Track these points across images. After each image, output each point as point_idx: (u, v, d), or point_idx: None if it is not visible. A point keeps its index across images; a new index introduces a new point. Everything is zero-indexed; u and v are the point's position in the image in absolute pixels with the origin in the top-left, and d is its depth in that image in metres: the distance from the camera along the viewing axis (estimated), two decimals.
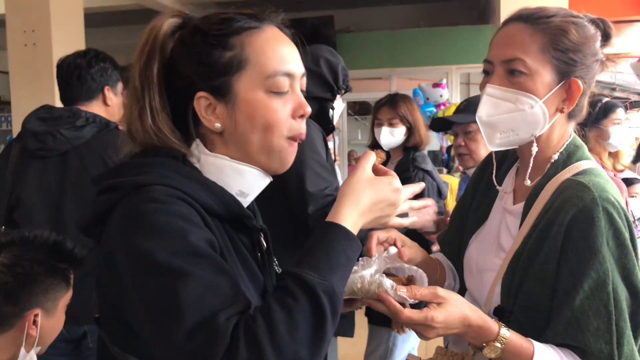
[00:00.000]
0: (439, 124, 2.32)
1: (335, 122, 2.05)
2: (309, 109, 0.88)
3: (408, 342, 2.58)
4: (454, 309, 0.93)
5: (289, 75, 0.87)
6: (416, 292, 0.92)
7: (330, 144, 2.02)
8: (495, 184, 1.18)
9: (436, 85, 4.72)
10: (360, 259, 0.97)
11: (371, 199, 0.85)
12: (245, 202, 0.90)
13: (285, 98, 0.87)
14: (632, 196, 2.96)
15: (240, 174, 0.87)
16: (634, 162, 3.51)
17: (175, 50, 0.87)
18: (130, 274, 0.76)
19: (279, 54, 0.87)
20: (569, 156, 1.08)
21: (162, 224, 0.75)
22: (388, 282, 0.90)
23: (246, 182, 0.88)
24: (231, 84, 0.84)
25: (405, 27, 7.35)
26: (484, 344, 0.97)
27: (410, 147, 2.63)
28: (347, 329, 1.86)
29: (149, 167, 0.83)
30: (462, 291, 1.21)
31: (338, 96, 2.03)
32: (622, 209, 0.99)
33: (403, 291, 0.90)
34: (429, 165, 2.59)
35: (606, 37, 1.08)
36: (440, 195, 2.61)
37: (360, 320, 2.12)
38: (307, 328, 0.70)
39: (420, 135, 2.62)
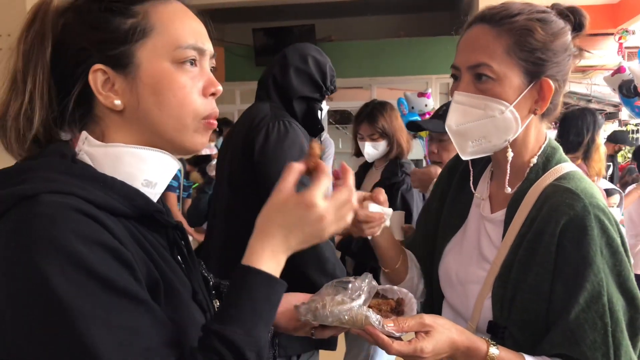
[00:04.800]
0: (414, 127, 2.32)
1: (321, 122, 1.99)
2: (220, 88, 0.80)
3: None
4: (441, 335, 0.91)
5: (199, 50, 0.78)
6: (403, 324, 0.89)
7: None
8: (473, 190, 1.14)
9: (421, 94, 4.73)
10: (349, 282, 0.95)
11: (283, 226, 0.76)
12: (154, 193, 0.79)
13: (193, 73, 0.78)
14: (611, 206, 3.03)
15: (142, 161, 0.77)
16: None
17: (67, 24, 0.76)
18: (21, 309, 0.61)
19: (188, 26, 0.78)
20: (548, 159, 1.04)
21: (62, 249, 0.62)
22: (374, 318, 0.88)
23: (151, 169, 0.77)
24: (132, 54, 0.74)
25: (386, 37, 7.41)
26: None
27: (393, 158, 2.66)
28: (330, 342, 1.84)
29: (32, 172, 0.69)
30: (439, 300, 1.18)
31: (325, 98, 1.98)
32: (611, 214, 0.97)
33: (390, 325, 0.89)
34: None
35: (579, 27, 1.04)
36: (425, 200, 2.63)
37: None
38: None
39: (401, 145, 2.63)
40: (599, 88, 8.66)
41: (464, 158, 1.05)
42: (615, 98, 8.11)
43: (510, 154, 1.03)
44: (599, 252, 0.92)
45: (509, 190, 1.05)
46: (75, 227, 0.63)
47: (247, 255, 0.75)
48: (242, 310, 0.71)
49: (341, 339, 2.41)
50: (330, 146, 4.23)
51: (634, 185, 3.67)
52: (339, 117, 8.46)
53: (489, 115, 0.99)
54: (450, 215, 1.18)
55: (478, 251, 1.09)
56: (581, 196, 0.95)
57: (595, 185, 1.04)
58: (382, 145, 2.63)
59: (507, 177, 1.05)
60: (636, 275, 3.11)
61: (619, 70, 3.89)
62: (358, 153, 2.75)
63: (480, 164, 1.18)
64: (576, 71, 8.55)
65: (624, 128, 9.51)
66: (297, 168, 0.80)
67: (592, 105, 8.98)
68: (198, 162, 4.13)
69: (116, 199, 0.71)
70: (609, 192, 3.02)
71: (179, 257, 0.83)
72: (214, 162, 3.27)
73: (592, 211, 0.93)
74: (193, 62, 0.78)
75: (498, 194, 1.10)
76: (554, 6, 1.03)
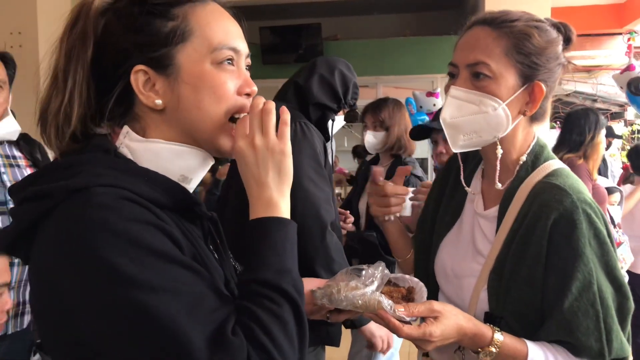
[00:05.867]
0: (418, 132, 2.36)
1: (332, 135, 2.06)
2: (255, 88, 0.84)
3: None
4: (449, 321, 0.96)
5: (235, 50, 0.82)
6: (413, 309, 0.95)
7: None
8: (464, 185, 1.19)
9: (430, 94, 4.74)
10: (363, 270, 0.99)
11: (252, 177, 0.80)
12: (189, 188, 0.84)
13: (232, 73, 0.81)
14: (612, 204, 3.05)
15: (180, 157, 0.81)
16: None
17: (108, 26, 0.79)
18: (90, 293, 0.65)
19: (225, 28, 0.82)
20: (537, 157, 1.10)
21: (119, 232, 0.66)
22: (386, 302, 0.92)
23: (188, 165, 0.82)
24: (173, 56, 0.78)
25: (391, 35, 7.42)
26: (479, 349, 1.00)
27: (395, 153, 2.71)
28: (334, 338, 1.87)
29: (80, 167, 0.73)
30: (434, 293, 1.22)
31: (341, 111, 2.06)
32: (598, 207, 1.02)
33: (401, 310, 0.93)
34: (419, 171, 2.69)
35: (567, 41, 1.09)
36: None
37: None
38: (292, 322, 0.73)
39: (401, 140, 2.67)
40: (604, 88, 8.65)
41: (454, 150, 1.10)
42: (621, 98, 8.11)
43: (499, 151, 1.08)
44: (587, 244, 0.98)
45: (499, 186, 1.11)
46: (127, 212, 0.68)
47: (251, 213, 0.80)
48: (267, 256, 0.76)
49: (347, 334, 2.45)
50: (332, 142, 4.29)
51: (631, 186, 3.66)
52: (345, 116, 8.46)
53: (482, 111, 1.04)
54: (446, 212, 1.23)
55: (473, 246, 1.14)
56: (569, 192, 1.00)
57: (580, 180, 1.09)
58: (381, 135, 2.69)
59: (497, 174, 1.10)
60: (637, 275, 3.15)
61: (629, 68, 3.90)
62: (363, 148, 2.86)
63: (473, 162, 1.24)
64: (582, 71, 8.54)
65: (629, 128, 9.49)
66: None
67: (598, 105, 8.96)
68: None
69: (159, 192, 0.75)
70: (609, 191, 3.05)
71: (211, 246, 0.87)
72: (221, 166, 3.31)
73: (580, 206, 0.99)
74: (231, 62, 0.81)
75: (490, 191, 1.15)
76: (547, 19, 1.10)
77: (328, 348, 1.96)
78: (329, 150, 2.03)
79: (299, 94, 1.93)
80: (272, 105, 0.81)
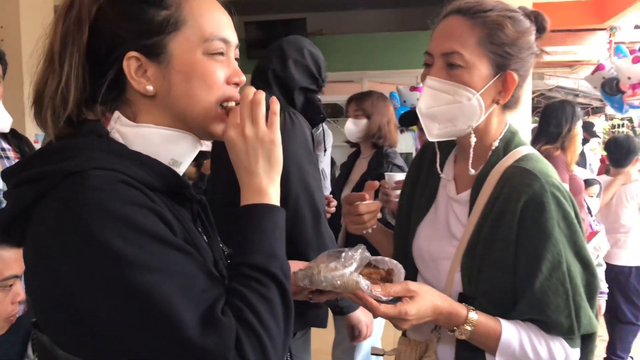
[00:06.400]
0: (408, 118, 2.38)
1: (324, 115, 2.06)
2: (243, 78, 0.86)
3: (374, 331, 2.65)
4: (425, 300, 1.00)
5: (225, 41, 0.84)
6: (389, 289, 0.98)
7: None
8: (439, 171, 1.22)
9: (413, 88, 4.78)
10: (343, 252, 1.03)
11: (242, 166, 0.83)
12: (179, 171, 0.86)
13: (222, 63, 0.84)
14: (590, 196, 3.12)
15: (170, 141, 0.83)
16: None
17: (102, 11, 0.80)
18: (86, 273, 0.67)
19: (216, 18, 0.84)
20: (508, 143, 1.14)
21: (114, 214, 0.68)
22: (364, 283, 0.96)
23: (178, 150, 0.84)
24: (166, 44, 0.80)
25: (376, 30, 7.45)
26: (454, 328, 1.04)
27: (376, 143, 2.72)
28: (322, 320, 1.90)
29: (75, 151, 0.75)
30: (412, 276, 1.25)
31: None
32: (566, 190, 1.06)
33: (378, 290, 0.97)
34: (400, 161, 2.70)
35: (541, 30, 1.12)
36: None
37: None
38: (279, 303, 0.75)
39: (382, 130, 2.69)
40: (586, 83, 8.77)
41: (430, 139, 1.13)
42: None
43: (473, 139, 1.11)
44: (556, 226, 1.02)
45: (472, 172, 1.14)
46: (122, 194, 0.70)
47: (241, 200, 0.83)
48: (257, 241, 0.79)
49: (332, 323, 2.49)
50: (329, 136, 4.31)
51: (607, 177, 3.72)
52: (330, 111, 8.48)
53: (457, 101, 1.07)
54: (421, 197, 1.26)
55: (447, 229, 1.17)
56: (538, 176, 1.04)
57: (549, 163, 1.12)
58: (362, 123, 2.71)
59: (471, 160, 1.13)
60: (614, 266, 3.23)
61: (598, 67, 3.97)
62: (352, 144, 2.86)
63: (447, 148, 1.26)
64: (564, 66, 8.65)
65: (609, 122, 9.64)
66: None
67: (579, 100, 9.10)
68: (195, 156, 4.20)
69: (151, 175, 0.77)
70: (589, 183, 3.11)
71: (200, 229, 0.89)
72: (206, 161, 3.32)
73: (548, 189, 1.03)
74: (221, 53, 0.84)
75: (462, 176, 1.19)
76: (520, 8, 1.12)
77: (314, 338, 1.99)
78: (326, 136, 2.03)
79: (279, 83, 1.93)
80: (262, 95, 0.84)
